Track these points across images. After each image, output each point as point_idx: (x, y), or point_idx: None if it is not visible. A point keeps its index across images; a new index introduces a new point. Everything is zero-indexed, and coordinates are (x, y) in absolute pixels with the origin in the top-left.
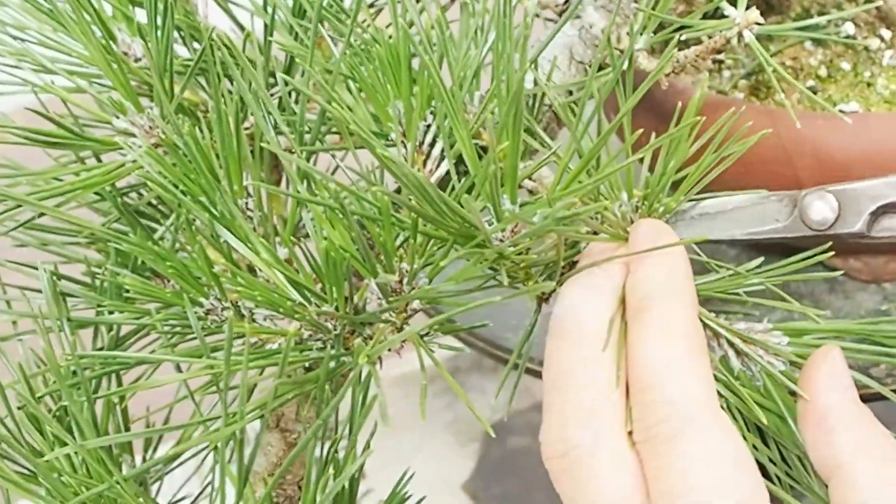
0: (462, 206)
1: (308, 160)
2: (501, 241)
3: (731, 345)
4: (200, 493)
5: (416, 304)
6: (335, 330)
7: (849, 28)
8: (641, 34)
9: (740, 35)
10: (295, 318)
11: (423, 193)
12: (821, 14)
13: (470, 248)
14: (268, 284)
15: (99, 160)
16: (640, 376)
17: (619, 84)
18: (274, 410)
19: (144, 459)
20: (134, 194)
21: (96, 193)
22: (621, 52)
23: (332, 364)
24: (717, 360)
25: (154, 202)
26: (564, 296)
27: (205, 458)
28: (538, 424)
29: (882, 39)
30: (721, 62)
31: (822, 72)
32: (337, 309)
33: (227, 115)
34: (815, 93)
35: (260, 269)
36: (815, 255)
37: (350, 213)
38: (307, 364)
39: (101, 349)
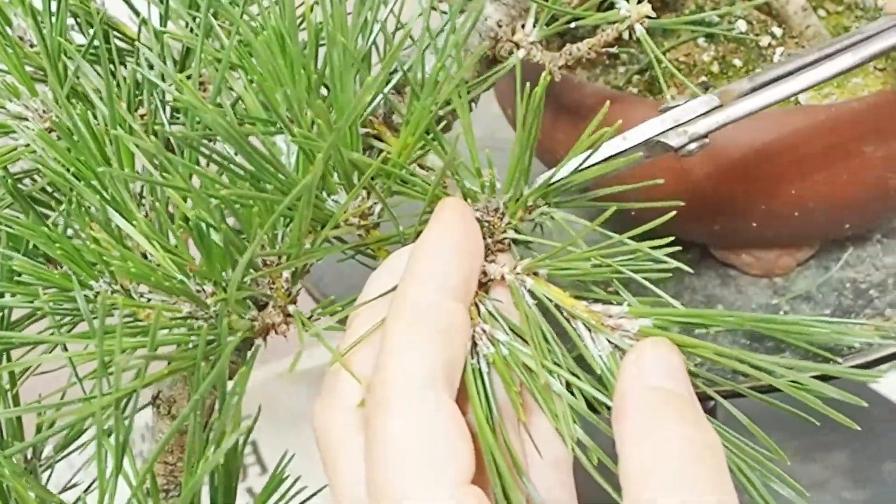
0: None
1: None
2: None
3: (587, 327)
4: (94, 482)
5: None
6: (214, 307)
7: (741, 25)
8: (535, 26)
9: (632, 29)
10: (173, 292)
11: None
12: (715, 11)
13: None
14: (149, 263)
15: None
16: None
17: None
18: (147, 386)
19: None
20: (28, 180)
21: None
22: (516, 44)
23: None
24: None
25: (49, 188)
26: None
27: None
28: None
29: (773, 37)
30: (617, 57)
31: (715, 68)
32: (215, 284)
33: (119, 99)
34: (706, 88)
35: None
36: (661, 245)
37: (205, 197)
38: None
39: None
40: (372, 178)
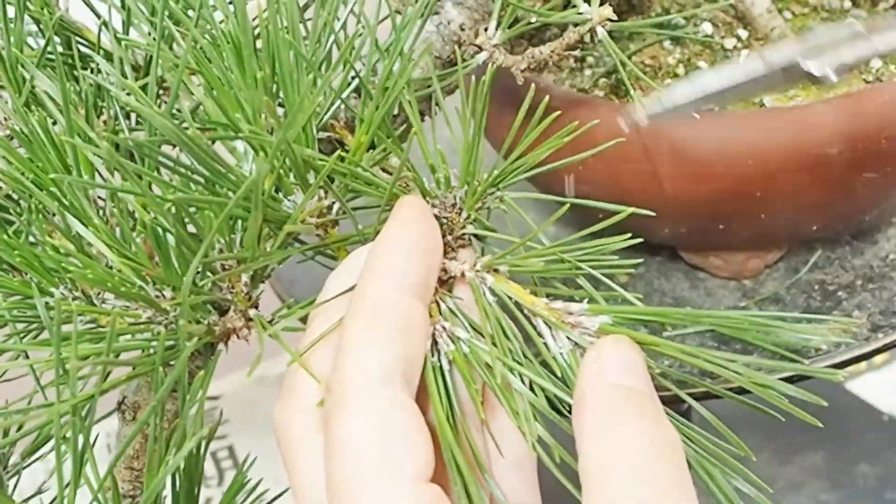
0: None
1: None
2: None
3: (547, 324)
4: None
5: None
6: (173, 312)
7: (707, 28)
8: (497, 29)
9: (594, 32)
10: (130, 298)
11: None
12: (680, 14)
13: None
14: (107, 269)
15: None
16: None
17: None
18: (106, 392)
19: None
20: None
21: None
22: (479, 47)
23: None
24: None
25: (12, 195)
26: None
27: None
28: None
29: (739, 39)
30: (583, 60)
31: (681, 70)
32: (174, 289)
33: (77, 106)
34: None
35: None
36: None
37: (160, 202)
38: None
39: None
40: (331, 179)
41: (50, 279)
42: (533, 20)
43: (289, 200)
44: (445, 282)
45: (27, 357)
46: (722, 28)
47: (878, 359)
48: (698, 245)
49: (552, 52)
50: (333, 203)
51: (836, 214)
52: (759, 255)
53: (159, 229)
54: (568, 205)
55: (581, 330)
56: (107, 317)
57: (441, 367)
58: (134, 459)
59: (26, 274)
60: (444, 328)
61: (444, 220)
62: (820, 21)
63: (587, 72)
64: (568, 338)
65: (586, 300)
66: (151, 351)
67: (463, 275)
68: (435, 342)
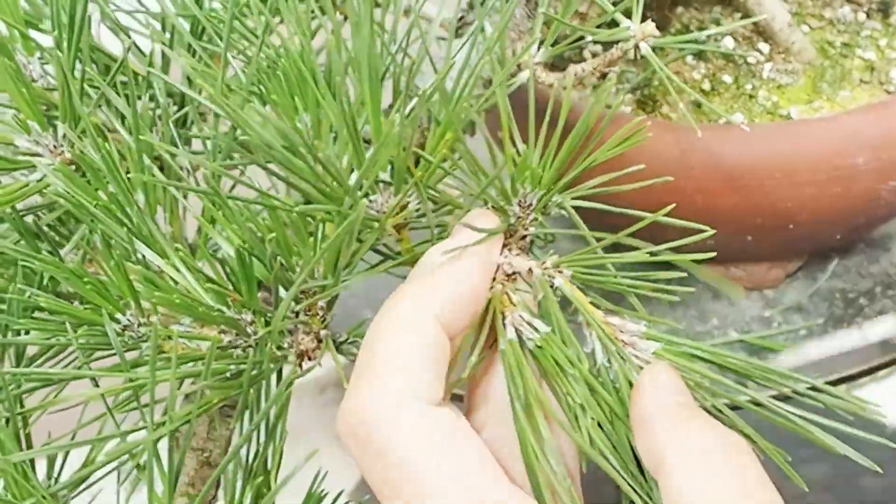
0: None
1: (217, 177)
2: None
3: (600, 338)
4: None
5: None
6: (254, 335)
7: (728, 42)
8: (540, 47)
9: (637, 47)
10: (215, 322)
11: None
12: (700, 30)
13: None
14: (186, 292)
15: None
16: None
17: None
18: (200, 415)
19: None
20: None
21: None
22: (519, 66)
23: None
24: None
25: (52, 223)
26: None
27: (130, 471)
28: None
29: (761, 53)
30: (604, 76)
31: (706, 85)
32: (254, 313)
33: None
34: (698, 105)
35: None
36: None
37: (244, 220)
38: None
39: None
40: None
41: (116, 305)
42: (578, 38)
43: (369, 200)
44: (510, 276)
45: (96, 384)
46: (743, 43)
47: (882, 371)
48: (722, 256)
49: (595, 68)
50: (409, 202)
51: (859, 223)
52: (782, 265)
53: (246, 253)
54: (645, 219)
55: (632, 350)
56: (171, 342)
57: (524, 354)
58: (189, 486)
59: (73, 301)
60: (522, 317)
61: (516, 219)
62: (836, 34)
63: (612, 89)
64: (618, 353)
65: (643, 323)
66: (228, 374)
67: (529, 271)
68: (518, 332)
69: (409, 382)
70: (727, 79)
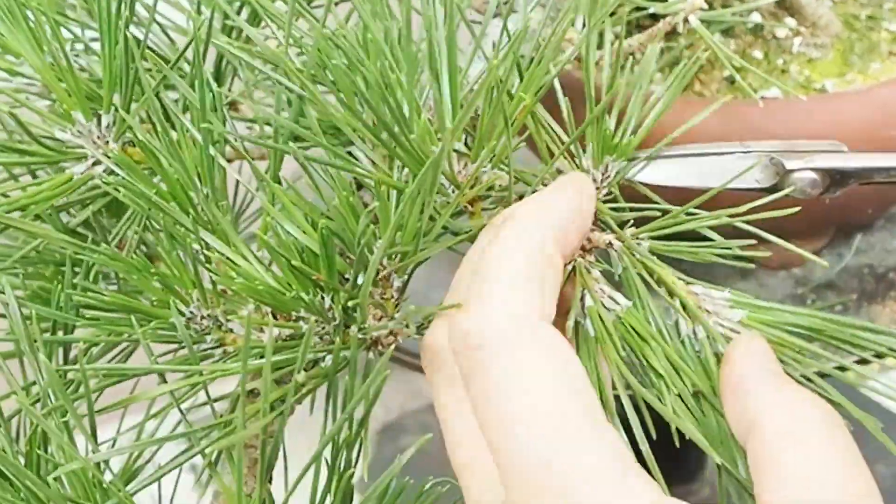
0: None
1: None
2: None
3: (683, 306)
4: None
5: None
6: (335, 320)
7: (756, 17)
8: (584, 24)
9: (686, 20)
10: (293, 309)
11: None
12: (724, 7)
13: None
14: (276, 281)
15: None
16: None
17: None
18: (299, 401)
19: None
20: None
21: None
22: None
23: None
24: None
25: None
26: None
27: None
28: (429, 424)
29: (788, 28)
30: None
31: (736, 62)
32: (333, 298)
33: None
34: (732, 82)
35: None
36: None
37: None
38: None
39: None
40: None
41: (182, 298)
42: (636, 10)
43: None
44: (588, 251)
45: (164, 380)
46: (769, 18)
47: (890, 360)
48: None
49: (641, 43)
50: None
51: (891, 197)
52: (810, 243)
53: (325, 232)
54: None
55: (716, 319)
56: (232, 336)
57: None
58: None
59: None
60: (603, 290)
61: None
62: (860, 7)
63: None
64: (703, 323)
65: (727, 290)
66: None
67: (609, 244)
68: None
69: (530, 300)
70: (758, 54)
